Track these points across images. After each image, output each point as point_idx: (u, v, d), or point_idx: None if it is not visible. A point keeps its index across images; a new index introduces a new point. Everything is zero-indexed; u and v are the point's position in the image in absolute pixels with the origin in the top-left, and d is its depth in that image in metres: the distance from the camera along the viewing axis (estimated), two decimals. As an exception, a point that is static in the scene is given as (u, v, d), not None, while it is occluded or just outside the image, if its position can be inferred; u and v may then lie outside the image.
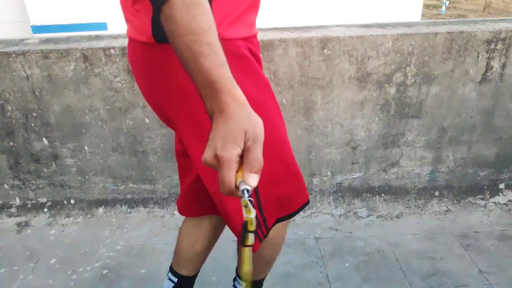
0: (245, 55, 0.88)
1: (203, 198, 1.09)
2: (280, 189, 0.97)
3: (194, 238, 1.20)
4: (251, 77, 0.89)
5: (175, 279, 1.26)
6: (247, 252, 0.63)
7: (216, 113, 0.58)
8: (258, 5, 0.93)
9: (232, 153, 0.56)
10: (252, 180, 0.56)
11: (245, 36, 0.90)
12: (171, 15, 0.58)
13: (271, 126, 0.89)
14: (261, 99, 0.90)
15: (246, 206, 0.57)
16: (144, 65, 0.88)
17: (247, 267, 0.64)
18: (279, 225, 1.04)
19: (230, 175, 0.56)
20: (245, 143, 0.57)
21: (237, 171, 0.57)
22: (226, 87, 0.58)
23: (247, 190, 0.56)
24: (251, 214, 0.58)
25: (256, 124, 0.58)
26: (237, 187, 0.57)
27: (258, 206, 0.96)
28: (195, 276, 1.29)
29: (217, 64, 0.58)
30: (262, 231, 0.99)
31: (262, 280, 1.28)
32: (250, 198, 0.57)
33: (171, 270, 1.27)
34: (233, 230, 1.00)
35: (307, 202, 1.03)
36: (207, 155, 0.57)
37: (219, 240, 1.29)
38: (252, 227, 0.59)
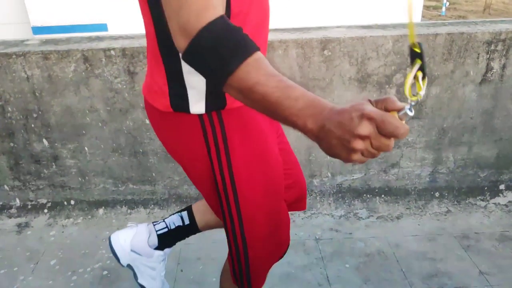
0: (249, 121, 0.95)
1: None
2: (268, 259, 1.12)
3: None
4: (251, 147, 0.96)
5: (187, 222, 1.30)
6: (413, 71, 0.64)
7: (326, 120, 0.61)
8: (265, 47, 1.01)
9: (370, 107, 0.59)
10: (401, 104, 0.60)
11: None
12: (249, 72, 0.64)
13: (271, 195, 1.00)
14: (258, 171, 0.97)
15: (420, 90, 0.61)
16: (161, 127, 0.98)
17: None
18: None
19: (390, 115, 0.59)
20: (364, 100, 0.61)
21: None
22: (318, 100, 0.64)
23: (410, 108, 0.60)
24: (422, 87, 0.61)
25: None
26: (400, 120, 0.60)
27: (246, 274, 1.08)
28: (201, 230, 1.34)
29: (302, 89, 0.65)
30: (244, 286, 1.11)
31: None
32: (412, 103, 0.61)
33: (189, 212, 1.31)
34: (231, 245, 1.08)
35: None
36: (361, 128, 0.58)
37: (219, 242, 1.29)
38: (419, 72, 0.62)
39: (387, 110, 0.60)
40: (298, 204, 1.24)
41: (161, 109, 0.92)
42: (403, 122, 0.59)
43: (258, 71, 0.64)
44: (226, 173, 0.93)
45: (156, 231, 1.30)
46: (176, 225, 1.29)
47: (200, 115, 0.90)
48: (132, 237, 1.30)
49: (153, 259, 1.31)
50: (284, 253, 1.17)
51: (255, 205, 0.98)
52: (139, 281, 1.33)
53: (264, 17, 0.94)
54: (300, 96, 0.63)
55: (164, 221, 1.32)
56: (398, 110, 0.60)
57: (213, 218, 1.26)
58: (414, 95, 0.61)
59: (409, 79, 0.61)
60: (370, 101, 0.61)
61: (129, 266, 1.31)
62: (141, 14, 0.86)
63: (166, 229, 1.30)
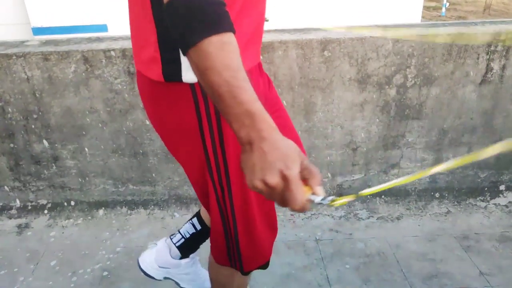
0: None
1: None
2: (257, 241, 1.06)
3: None
4: None
5: (199, 227, 1.31)
6: (346, 200, 0.68)
7: (257, 140, 0.61)
8: (260, 35, 0.96)
9: (296, 171, 0.60)
10: (321, 190, 0.63)
11: (247, 69, 0.94)
12: (208, 52, 0.61)
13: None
14: None
15: (334, 205, 0.65)
16: (152, 99, 0.94)
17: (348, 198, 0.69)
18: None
19: (302, 191, 0.60)
20: (301, 162, 0.61)
21: None
22: (263, 117, 0.62)
23: (322, 200, 0.63)
24: (342, 201, 0.65)
25: (296, 146, 0.63)
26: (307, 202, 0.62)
27: (237, 250, 1.05)
28: None
29: (254, 98, 0.62)
30: (236, 265, 1.08)
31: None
32: (330, 199, 0.64)
33: (198, 217, 1.31)
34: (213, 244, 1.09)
35: (266, 264, 1.13)
36: (271, 179, 0.59)
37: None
38: (350, 197, 0.67)
39: (305, 182, 0.62)
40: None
41: (153, 78, 0.88)
42: (308, 202, 0.62)
43: (217, 55, 0.61)
44: (218, 148, 0.90)
45: (174, 243, 1.34)
46: (190, 233, 1.32)
47: (192, 85, 0.86)
48: (155, 256, 1.36)
49: (182, 268, 1.35)
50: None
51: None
52: (181, 286, 1.40)
53: None
54: (246, 102, 0.61)
55: (179, 232, 1.36)
56: (313, 192, 0.62)
57: None
58: (332, 200, 0.64)
59: (341, 201, 0.66)
60: (303, 163, 0.61)
61: (166, 278, 1.37)
62: None
63: (183, 239, 1.34)
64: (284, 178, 0.59)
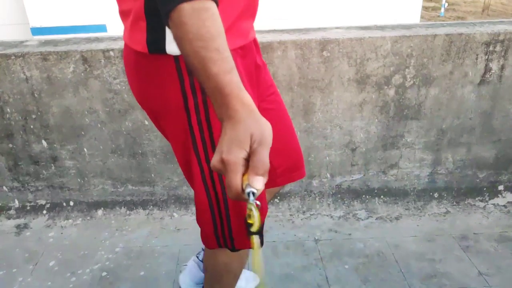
0: None
1: None
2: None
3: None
4: None
5: None
6: (255, 254, 0.62)
7: (225, 119, 0.58)
8: (254, 9, 0.92)
9: (237, 156, 0.56)
10: (258, 183, 0.56)
11: (240, 45, 0.89)
12: (180, 21, 0.59)
13: None
14: None
15: (250, 211, 0.58)
16: (136, 72, 0.89)
17: (257, 267, 0.63)
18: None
19: (236, 179, 0.56)
20: (251, 146, 0.57)
21: (243, 175, 0.57)
22: (234, 93, 0.58)
23: (253, 193, 0.56)
24: (253, 219, 0.58)
25: (264, 128, 0.59)
26: (243, 191, 0.57)
27: (227, 224, 0.99)
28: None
29: (225, 70, 0.58)
30: (226, 243, 1.02)
31: None
32: (256, 201, 0.57)
33: None
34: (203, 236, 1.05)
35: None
36: (214, 160, 0.58)
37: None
38: (254, 228, 0.59)
39: (245, 170, 0.58)
40: (296, 172, 1.17)
41: (137, 49, 0.83)
42: (244, 190, 0.57)
43: (188, 23, 0.58)
44: (204, 125, 0.86)
45: (201, 260, 1.38)
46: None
47: (176, 58, 0.81)
48: (189, 275, 1.40)
49: None
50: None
51: None
52: None
53: None
54: (215, 75, 0.58)
55: (202, 249, 1.40)
56: (248, 182, 0.57)
57: None
58: (252, 207, 0.58)
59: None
60: (252, 148, 0.57)
61: None
62: None
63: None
64: (222, 162, 0.57)
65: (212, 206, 0.96)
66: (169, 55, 0.81)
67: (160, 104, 0.88)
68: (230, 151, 0.56)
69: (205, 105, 0.85)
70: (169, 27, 0.61)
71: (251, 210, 0.58)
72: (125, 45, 0.91)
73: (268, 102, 1.07)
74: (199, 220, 1.03)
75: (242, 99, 0.58)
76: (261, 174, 0.56)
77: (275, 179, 1.13)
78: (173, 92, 0.84)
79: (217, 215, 0.98)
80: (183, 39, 0.59)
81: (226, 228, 0.99)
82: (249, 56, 0.95)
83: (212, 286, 1.20)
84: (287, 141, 1.13)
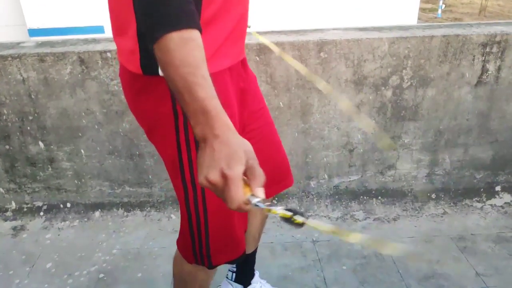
0: (221, 91, 0.92)
1: None
2: (230, 233, 1.05)
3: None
4: None
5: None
6: (310, 224, 0.66)
7: (210, 138, 0.62)
8: (243, 31, 0.95)
9: (239, 171, 0.60)
10: (261, 193, 0.61)
11: (228, 66, 0.93)
12: (168, 48, 0.63)
13: None
14: None
15: (269, 211, 0.63)
16: (130, 90, 0.93)
17: (321, 228, 0.68)
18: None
19: (240, 191, 0.60)
20: (246, 162, 0.61)
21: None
22: (219, 116, 0.62)
23: (258, 202, 0.61)
24: (278, 212, 0.63)
25: (250, 146, 0.64)
26: (245, 203, 0.62)
27: (206, 244, 1.02)
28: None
29: (212, 95, 0.63)
30: (203, 261, 1.05)
31: None
32: (265, 206, 0.62)
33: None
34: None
35: (242, 256, 1.11)
36: (212, 176, 0.61)
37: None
38: (288, 215, 0.64)
39: (246, 182, 0.62)
40: (283, 182, 1.22)
41: (132, 70, 0.87)
42: (246, 203, 0.61)
43: (176, 51, 0.62)
44: (192, 145, 0.89)
45: (232, 280, 1.48)
46: (235, 264, 1.39)
47: None
48: None
49: None
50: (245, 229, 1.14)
51: None
52: None
53: None
54: (201, 99, 0.62)
55: (229, 270, 1.49)
56: (252, 193, 0.62)
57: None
58: (268, 206, 0.62)
59: (281, 212, 0.63)
60: (248, 163, 0.61)
61: None
62: None
63: (234, 274, 1.48)
64: (224, 177, 0.60)
65: (192, 226, 1.00)
66: (162, 77, 0.84)
67: (152, 121, 0.92)
68: (231, 167, 0.60)
69: None
70: (155, 53, 0.65)
71: (270, 210, 0.63)
72: (120, 64, 0.95)
73: (254, 119, 1.11)
74: (180, 233, 1.07)
75: (226, 121, 0.63)
76: (261, 185, 0.62)
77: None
78: (165, 111, 0.88)
79: (196, 234, 1.01)
80: (169, 65, 0.63)
81: (204, 247, 1.03)
82: (237, 77, 0.99)
83: None
84: (272, 155, 1.18)
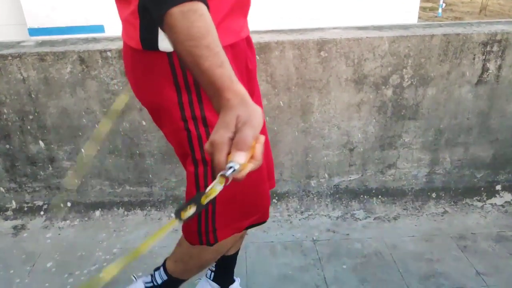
0: None
1: None
2: (241, 206, 1.02)
3: None
4: None
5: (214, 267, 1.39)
6: (171, 225, 0.59)
7: (220, 109, 0.62)
8: (246, 7, 0.93)
9: (222, 136, 0.59)
10: (239, 157, 0.58)
11: (230, 43, 0.90)
12: (171, 24, 0.63)
13: None
14: None
15: (220, 182, 0.58)
16: (132, 68, 0.92)
17: (151, 241, 0.61)
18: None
19: (220, 157, 0.59)
20: (236, 126, 0.60)
21: (228, 154, 0.59)
22: (226, 85, 0.61)
23: (232, 167, 0.57)
24: (215, 192, 0.59)
25: (252, 111, 0.61)
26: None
27: (212, 217, 0.99)
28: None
29: (216, 64, 0.62)
30: (208, 239, 1.02)
31: (184, 280, 1.28)
32: (229, 176, 0.58)
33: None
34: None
35: (263, 222, 1.09)
36: (206, 143, 0.61)
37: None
38: (204, 201, 0.59)
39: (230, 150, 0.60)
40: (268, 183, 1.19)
41: (133, 45, 0.86)
42: (225, 169, 0.57)
43: (178, 26, 0.62)
44: (200, 122, 0.87)
45: (210, 278, 1.42)
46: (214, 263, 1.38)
47: (169, 54, 0.83)
48: None
49: None
50: (264, 216, 1.10)
51: None
52: None
53: None
54: (206, 70, 0.62)
55: (208, 268, 1.42)
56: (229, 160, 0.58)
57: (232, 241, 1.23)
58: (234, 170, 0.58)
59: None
60: (237, 126, 0.60)
61: None
62: None
63: (212, 273, 1.42)
64: (211, 143, 0.60)
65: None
66: (163, 52, 0.84)
67: (155, 99, 0.90)
68: (217, 132, 0.60)
69: (200, 99, 0.86)
70: (163, 31, 0.65)
71: (217, 182, 0.58)
72: (123, 41, 0.93)
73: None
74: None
75: (234, 89, 0.62)
76: (243, 149, 0.58)
77: None
78: (167, 87, 0.86)
79: (203, 213, 0.98)
80: (176, 41, 0.63)
81: (210, 224, 1.00)
82: (240, 55, 0.96)
83: (176, 261, 1.22)
84: (264, 154, 1.17)
